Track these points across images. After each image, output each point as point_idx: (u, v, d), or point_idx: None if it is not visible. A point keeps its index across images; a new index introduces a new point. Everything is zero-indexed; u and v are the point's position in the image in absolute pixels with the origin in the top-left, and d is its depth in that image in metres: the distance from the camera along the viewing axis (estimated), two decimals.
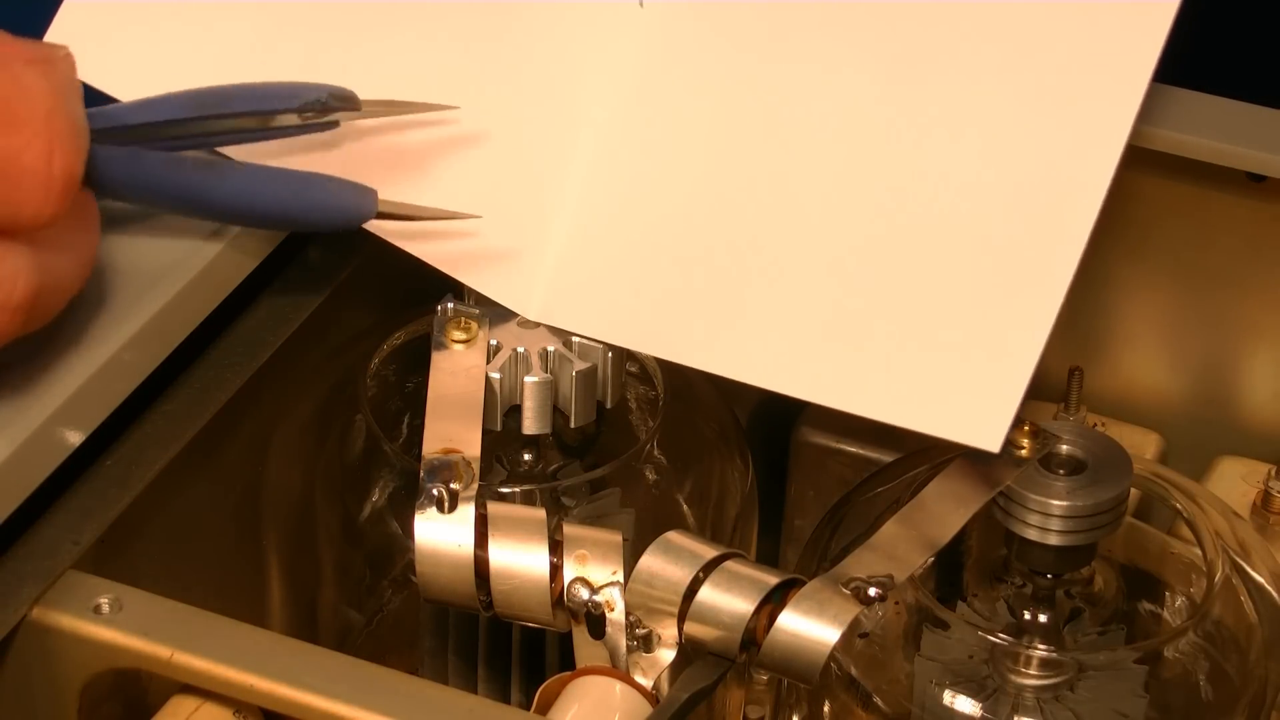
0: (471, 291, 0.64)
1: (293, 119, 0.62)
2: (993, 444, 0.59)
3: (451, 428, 0.61)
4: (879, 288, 0.61)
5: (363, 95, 0.62)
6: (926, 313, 0.61)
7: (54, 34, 0.66)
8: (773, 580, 0.57)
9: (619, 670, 0.57)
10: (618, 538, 0.58)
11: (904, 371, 0.60)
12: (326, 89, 0.62)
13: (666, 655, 0.58)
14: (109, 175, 0.58)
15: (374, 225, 0.63)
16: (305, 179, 0.61)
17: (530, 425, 0.64)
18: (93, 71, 0.66)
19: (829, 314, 0.61)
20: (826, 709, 0.64)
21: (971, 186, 0.62)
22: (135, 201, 0.61)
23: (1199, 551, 0.63)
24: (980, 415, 0.59)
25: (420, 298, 0.66)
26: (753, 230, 0.63)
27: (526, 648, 0.63)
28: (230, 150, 0.62)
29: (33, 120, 0.53)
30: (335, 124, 0.62)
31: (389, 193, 0.62)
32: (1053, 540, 0.60)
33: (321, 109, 0.62)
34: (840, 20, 0.64)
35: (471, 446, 0.60)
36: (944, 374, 0.60)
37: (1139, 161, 0.69)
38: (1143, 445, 0.74)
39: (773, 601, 0.56)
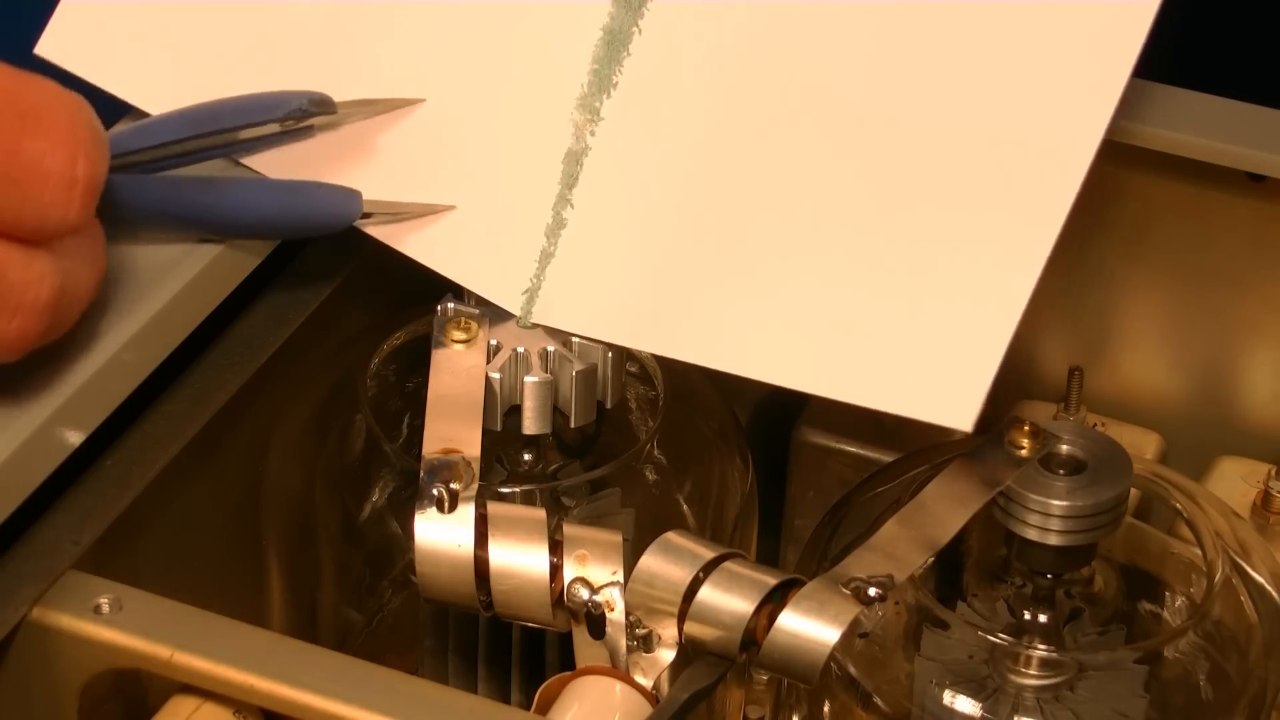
0: (471, 292, 0.64)
1: (274, 127, 0.63)
2: (965, 423, 0.59)
3: (451, 428, 0.61)
4: (857, 273, 0.61)
5: (346, 95, 0.63)
6: (901, 295, 0.61)
7: (51, 32, 0.67)
8: (773, 580, 0.57)
9: (619, 670, 0.57)
10: (618, 538, 0.58)
11: (877, 354, 0.60)
12: (306, 96, 0.63)
13: (666, 655, 0.58)
14: (114, 201, 0.58)
15: (373, 230, 0.63)
16: (294, 187, 0.62)
17: (530, 425, 0.64)
18: (90, 69, 0.66)
19: (807, 301, 0.61)
20: (826, 709, 0.64)
21: (947, 168, 0.62)
22: (137, 226, 0.61)
23: (1199, 551, 0.63)
24: (952, 395, 0.59)
25: (420, 298, 0.66)
26: (736, 224, 0.63)
27: (526, 648, 0.63)
28: (212, 165, 0.63)
29: (56, 126, 0.54)
30: (311, 129, 0.63)
31: (372, 193, 0.63)
32: (1053, 540, 0.60)
33: (302, 116, 0.63)
34: (829, 18, 0.65)
35: (471, 446, 0.60)
36: (916, 355, 0.60)
37: (1138, 162, 0.69)
38: (1143, 445, 0.74)
39: (773, 601, 0.56)
